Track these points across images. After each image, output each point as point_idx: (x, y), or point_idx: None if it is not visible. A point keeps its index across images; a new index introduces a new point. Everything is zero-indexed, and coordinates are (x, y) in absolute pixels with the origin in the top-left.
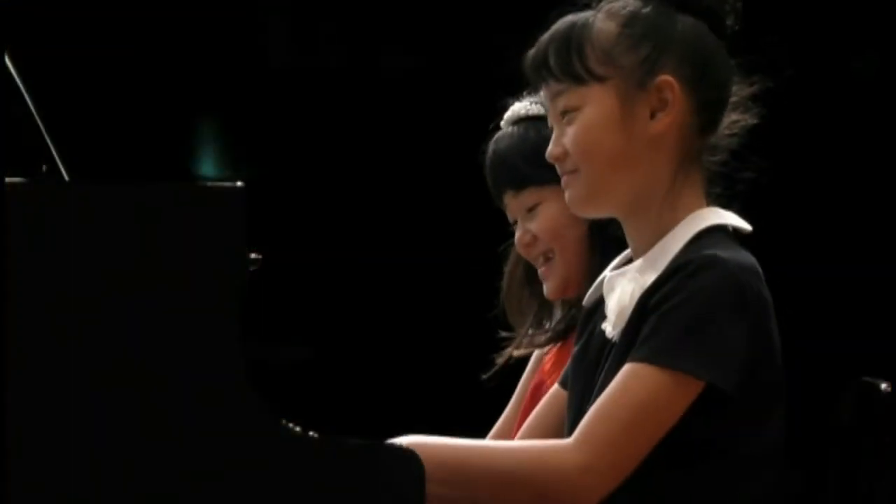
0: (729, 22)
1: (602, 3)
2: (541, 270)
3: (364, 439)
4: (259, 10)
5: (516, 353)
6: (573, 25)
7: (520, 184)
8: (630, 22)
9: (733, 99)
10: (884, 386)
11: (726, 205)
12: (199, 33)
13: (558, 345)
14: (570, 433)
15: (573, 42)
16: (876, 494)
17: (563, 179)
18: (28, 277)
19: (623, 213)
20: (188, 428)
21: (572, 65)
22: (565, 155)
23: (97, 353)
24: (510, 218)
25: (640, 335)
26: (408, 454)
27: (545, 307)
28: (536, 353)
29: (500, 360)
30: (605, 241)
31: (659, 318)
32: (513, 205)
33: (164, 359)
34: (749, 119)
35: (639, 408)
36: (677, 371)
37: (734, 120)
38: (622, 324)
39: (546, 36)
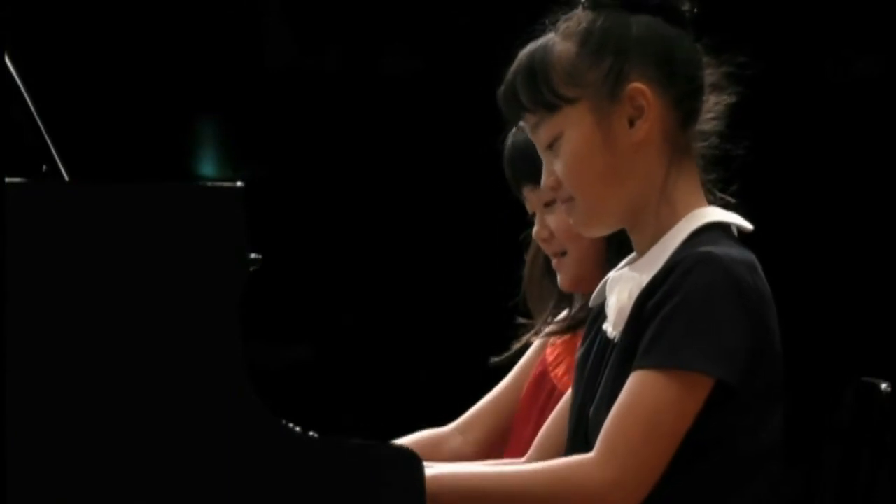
0: (685, 8)
1: (559, 23)
2: (554, 262)
3: (364, 439)
4: (259, 11)
5: (533, 339)
6: (533, 54)
7: (539, 178)
8: (586, 38)
9: (708, 82)
10: (884, 386)
11: (725, 188)
12: (198, 33)
13: (565, 336)
14: (572, 436)
15: (537, 71)
16: (876, 494)
17: (563, 208)
18: (28, 277)
19: (626, 223)
20: (188, 428)
21: (541, 93)
22: (559, 184)
23: (97, 353)
24: (529, 210)
25: (643, 340)
26: (408, 455)
27: (565, 296)
28: (538, 342)
29: (516, 345)
30: (621, 242)
31: (660, 321)
32: (531, 198)
33: (164, 359)
34: (728, 98)
35: (656, 415)
36: (688, 371)
37: (714, 102)
38: (622, 323)
39: (511, 71)
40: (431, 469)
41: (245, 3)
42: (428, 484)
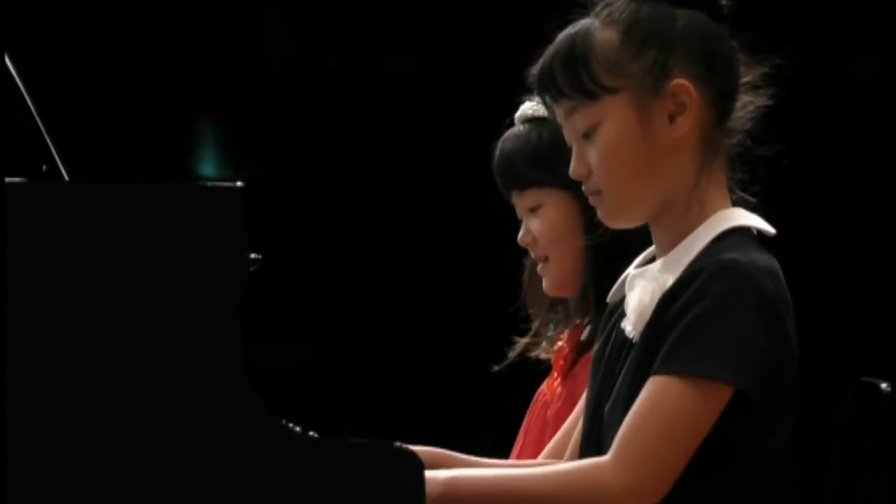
0: (724, 1)
1: (598, 8)
2: (539, 267)
3: (364, 439)
4: (259, 11)
5: (544, 356)
6: (574, 39)
7: (522, 184)
8: (631, 27)
9: (743, 80)
10: (884, 386)
11: (747, 188)
12: (199, 33)
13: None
14: (586, 434)
15: (578, 56)
16: (876, 494)
17: (590, 199)
18: (28, 277)
19: (652, 218)
20: (188, 428)
21: (581, 80)
22: (590, 173)
23: (97, 353)
24: (518, 215)
25: (665, 346)
26: (408, 454)
27: (558, 302)
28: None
29: (512, 355)
30: (603, 247)
31: (683, 328)
32: (518, 203)
33: (164, 359)
34: (759, 100)
35: (674, 421)
36: (707, 379)
37: (747, 101)
38: (642, 324)
39: (548, 53)
40: (448, 472)
41: (245, 3)
42: (443, 484)
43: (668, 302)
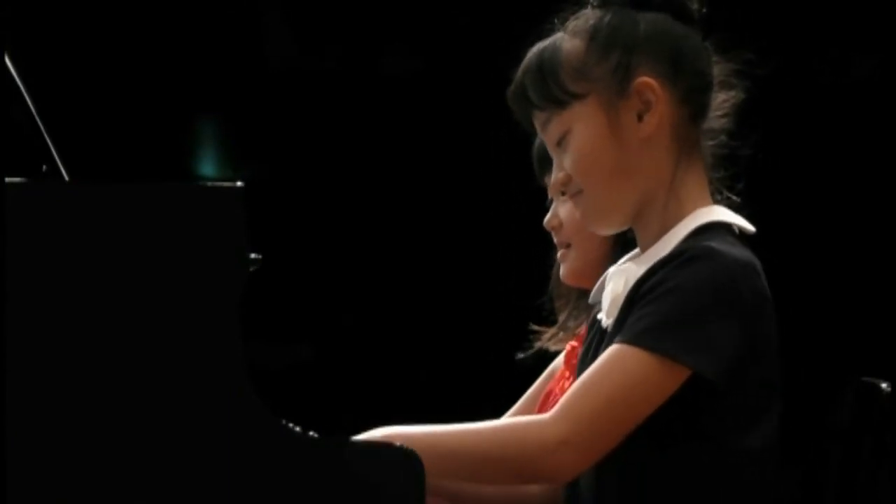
0: (694, 7)
1: (567, 23)
2: (560, 253)
3: (364, 439)
4: (259, 11)
5: (554, 347)
6: (542, 52)
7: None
8: (594, 34)
9: (717, 79)
10: (884, 386)
11: (731, 187)
12: (199, 33)
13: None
14: None
15: (545, 68)
16: (876, 494)
17: (572, 202)
18: (28, 277)
19: (633, 220)
20: (188, 428)
21: (549, 90)
22: (569, 179)
23: (97, 353)
24: (549, 197)
25: (631, 317)
26: (408, 454)
27: (585, 295)
28: (556, 361)
29: (539, 344)
30: (627, 243)
31: (649, 302)
32: (551, 184)
33: (164, 359)
34: (736, 96)
35: (620, 387)
36: (662, 355)
37: (723, 99)
38: (616, 312)
39: (520, 69)
40: (383, 430)
41: (245, 3)
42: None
43: (639, 287)
